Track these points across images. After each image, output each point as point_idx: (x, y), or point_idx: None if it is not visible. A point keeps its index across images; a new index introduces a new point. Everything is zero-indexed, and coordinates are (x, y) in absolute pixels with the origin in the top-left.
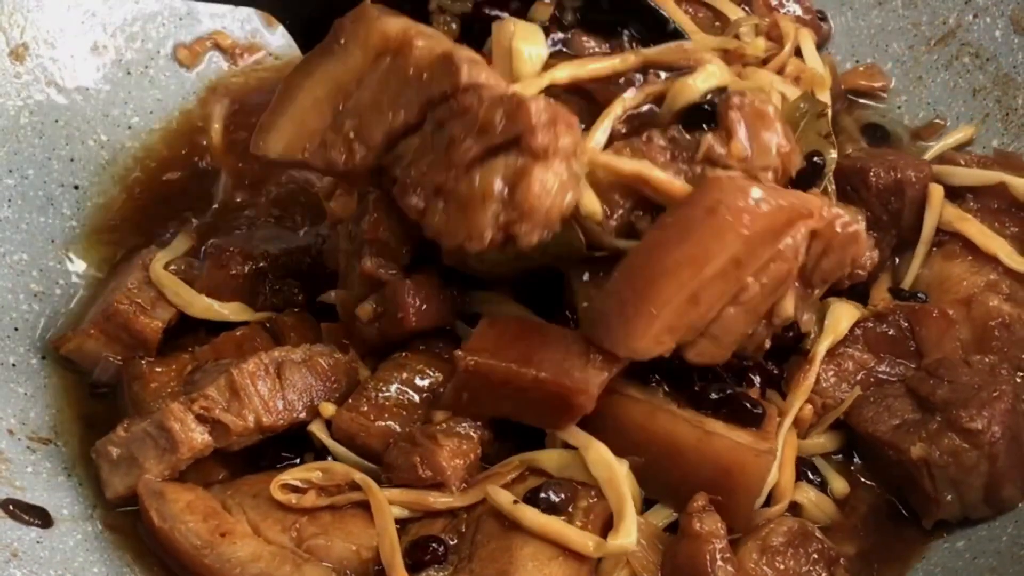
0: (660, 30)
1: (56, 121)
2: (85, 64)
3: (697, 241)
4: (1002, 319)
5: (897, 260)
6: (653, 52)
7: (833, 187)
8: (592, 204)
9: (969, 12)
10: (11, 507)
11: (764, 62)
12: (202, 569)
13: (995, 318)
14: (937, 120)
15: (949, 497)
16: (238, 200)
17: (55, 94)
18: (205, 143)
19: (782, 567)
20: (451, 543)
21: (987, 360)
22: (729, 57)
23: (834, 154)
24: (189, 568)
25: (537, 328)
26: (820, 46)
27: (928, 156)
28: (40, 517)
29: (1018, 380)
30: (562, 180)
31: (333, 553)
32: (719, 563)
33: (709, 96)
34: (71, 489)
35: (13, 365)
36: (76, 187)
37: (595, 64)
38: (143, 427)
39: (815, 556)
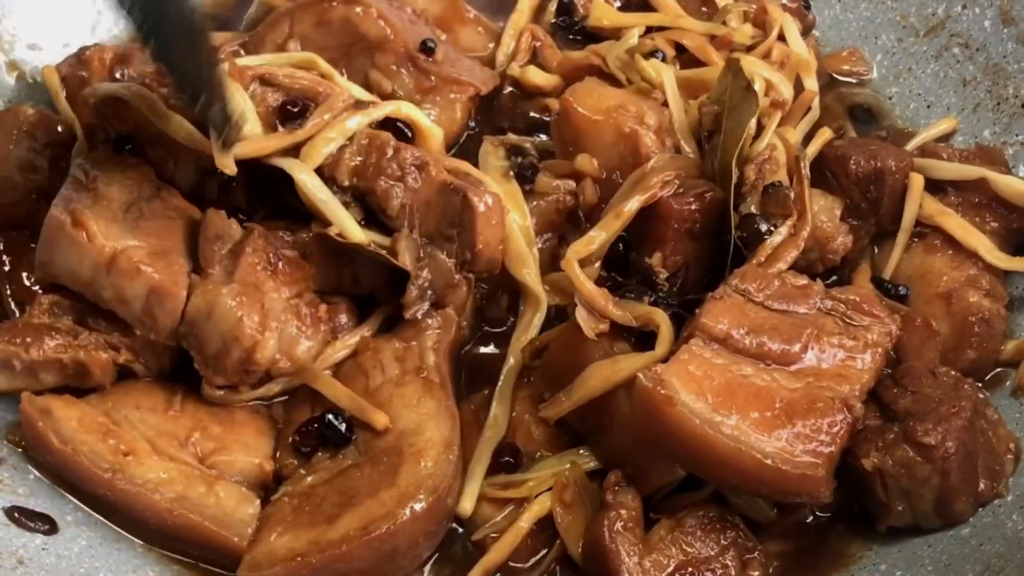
0: None
1: None
2: None
3: None
4: (982, 315)
5: (877, 249)
6: None
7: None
8: None
9: (958, 3)
10: (16, 514)
11: (749, 49)
12: (114, 493)
13: (975, 314)
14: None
15: (900, 507)
16: None
17: None
18: None
19: (688, 548)
20: None
21: (953, 374)
22: (717, 43)
23: (756, 104)
24: (97, 492)
25: None
26: (804, 35)
27: (910, 147)
28: (45, 523)
29: (980, 396)
30: None
31: (236, 468)
32: (618, 530)
33: None
34: None
35: None
36: None
37: None
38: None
39: (726, 544)
